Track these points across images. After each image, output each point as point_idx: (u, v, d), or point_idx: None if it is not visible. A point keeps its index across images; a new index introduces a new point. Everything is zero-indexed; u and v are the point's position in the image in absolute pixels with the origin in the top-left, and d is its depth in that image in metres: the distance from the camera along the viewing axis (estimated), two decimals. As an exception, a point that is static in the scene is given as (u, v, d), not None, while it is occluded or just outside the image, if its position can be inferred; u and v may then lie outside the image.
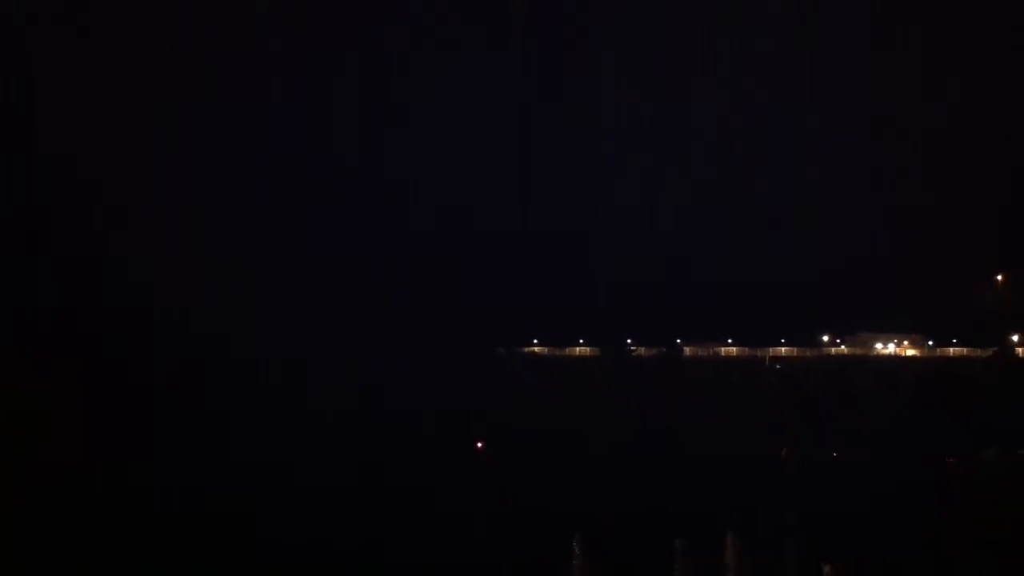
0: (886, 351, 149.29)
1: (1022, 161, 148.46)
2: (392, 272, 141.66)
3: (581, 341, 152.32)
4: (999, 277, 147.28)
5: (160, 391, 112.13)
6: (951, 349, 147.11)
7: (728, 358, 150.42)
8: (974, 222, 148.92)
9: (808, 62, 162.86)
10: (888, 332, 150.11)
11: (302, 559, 71.86)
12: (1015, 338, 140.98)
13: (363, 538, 77.32)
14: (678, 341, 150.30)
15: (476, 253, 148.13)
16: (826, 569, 78.47)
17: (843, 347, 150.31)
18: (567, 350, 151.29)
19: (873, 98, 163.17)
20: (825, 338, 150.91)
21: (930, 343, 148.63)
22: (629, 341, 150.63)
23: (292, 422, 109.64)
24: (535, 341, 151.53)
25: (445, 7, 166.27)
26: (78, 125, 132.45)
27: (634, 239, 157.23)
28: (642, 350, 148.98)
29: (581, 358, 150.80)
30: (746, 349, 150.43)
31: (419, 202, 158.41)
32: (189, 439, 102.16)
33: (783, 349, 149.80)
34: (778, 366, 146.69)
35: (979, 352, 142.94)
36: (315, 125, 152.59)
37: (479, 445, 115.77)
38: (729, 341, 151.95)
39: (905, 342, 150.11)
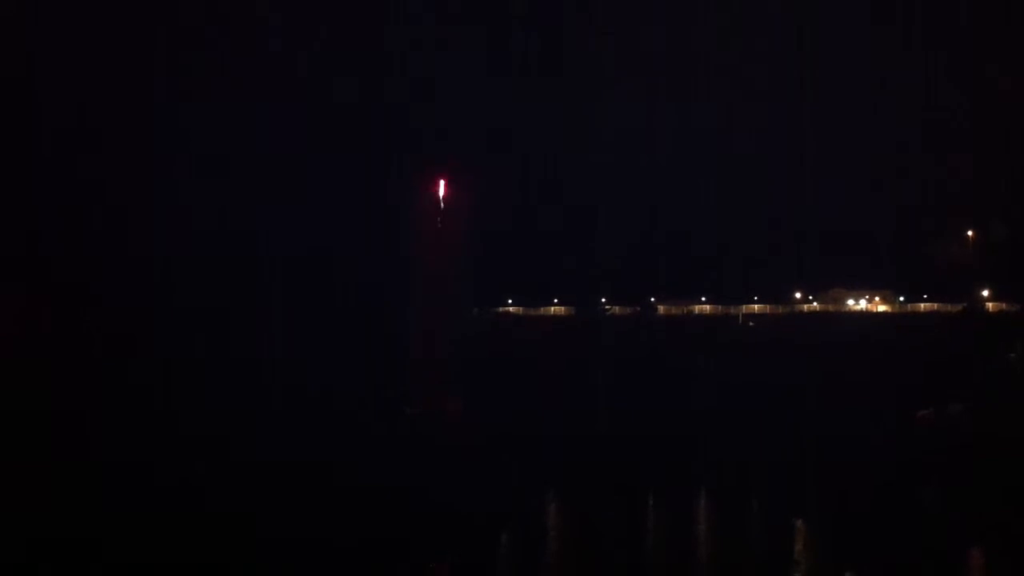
0: (858, 307, 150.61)
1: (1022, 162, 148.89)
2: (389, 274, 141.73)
3: (556, 301, 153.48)
4: (969, 233, 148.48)
5: (160, 391, 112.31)
6: (922, 305, 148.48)
7: (702, 315, 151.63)
8: (974, 220, 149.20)
9: (808, 62, 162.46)
10: (860, 289, 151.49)
11: (302, 560, 72.48)
12: (984, 293, 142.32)
13: (362, 538, 77.90)
14: (652, 300, 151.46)
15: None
16: (798, 523, 79.81)
17: (815, 304, 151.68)
18: (541, 310, 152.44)
19: (872, 97, 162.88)
20: (797, 295, 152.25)
21: (901, 299, 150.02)
22: (604, 300, 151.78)
23: (292, 423, 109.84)
24: (509, 301, 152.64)
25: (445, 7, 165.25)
26: (78, 125, 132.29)
27: (631, 236, 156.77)
28: (616, 309, 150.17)
29: (556, 317, 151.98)
30: (719, 307, 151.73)
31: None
32: (189, 439, 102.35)
33: (756, 307, 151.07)
34: (751, 323, 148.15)
35: (949, 308, 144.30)
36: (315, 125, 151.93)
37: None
38: (703, 299, 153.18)
39: (876, 298, 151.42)
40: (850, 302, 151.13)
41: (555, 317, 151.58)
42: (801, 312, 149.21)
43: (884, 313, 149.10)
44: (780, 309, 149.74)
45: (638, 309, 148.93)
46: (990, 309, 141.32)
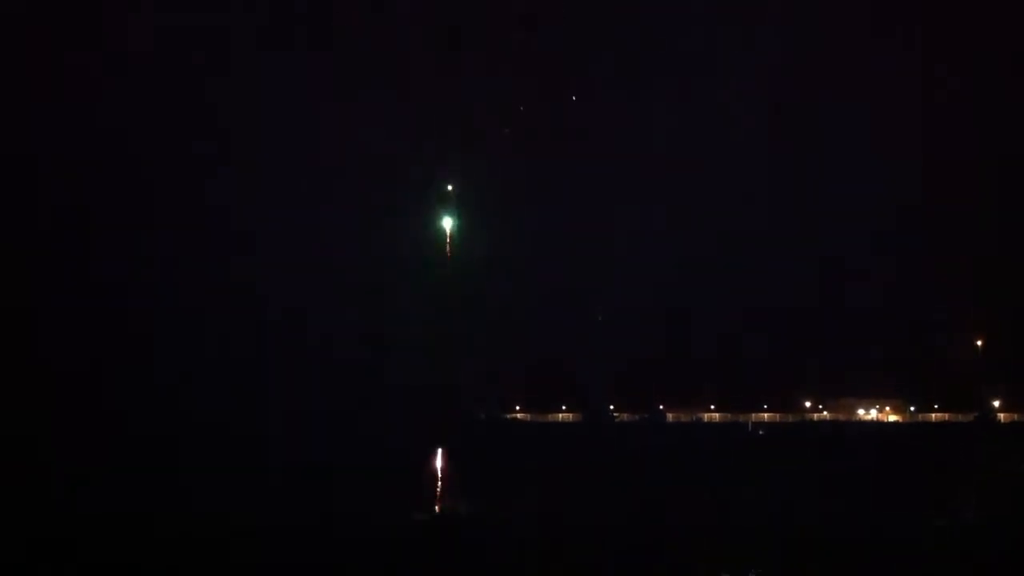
0: (868, 416, 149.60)
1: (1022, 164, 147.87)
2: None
3: (564, 408, 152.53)
4: (979, 343, 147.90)
5: (159, 391, 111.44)
6: (933, 415, 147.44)
7: (711, 423, 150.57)
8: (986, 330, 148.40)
9: (807, 62, 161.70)
10: (870, 397, 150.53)
11: (304, 562, 71.40)
12: (996, 403, 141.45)
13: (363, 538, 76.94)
14: (660, 407, 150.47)
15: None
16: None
17: (825, 413, 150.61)
18: (549, 416, 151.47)
19: (872, 98, 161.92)
20: (808, 404, 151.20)
21: (912, 408, 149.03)
22: (612, 407, 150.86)
23: (295, 426, 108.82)
24: (517, 408, 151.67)
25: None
26: (77, 124, 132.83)
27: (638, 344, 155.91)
28: (624, 416, 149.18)
29: (564, 424, 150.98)
30: (728, 415, 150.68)
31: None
32: (189, 441, 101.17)
33: (765, 415, 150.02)
34: (761, 432, 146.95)
35: (960, 417, 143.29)
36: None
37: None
38: (712, 407, 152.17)
39: (887, 407, 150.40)
40: (860, 411, 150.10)
41: (564, 424, 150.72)
42: (811, 421, 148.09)
43: (895, 423, 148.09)
44: (790, 417, 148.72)
45: (647, 416, 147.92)
46: (1002, 419, 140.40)
